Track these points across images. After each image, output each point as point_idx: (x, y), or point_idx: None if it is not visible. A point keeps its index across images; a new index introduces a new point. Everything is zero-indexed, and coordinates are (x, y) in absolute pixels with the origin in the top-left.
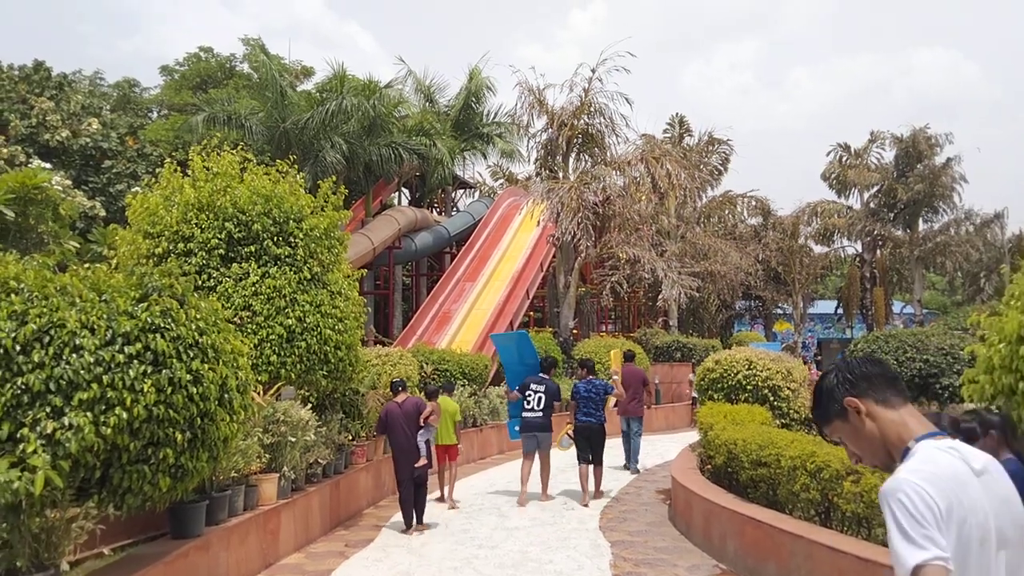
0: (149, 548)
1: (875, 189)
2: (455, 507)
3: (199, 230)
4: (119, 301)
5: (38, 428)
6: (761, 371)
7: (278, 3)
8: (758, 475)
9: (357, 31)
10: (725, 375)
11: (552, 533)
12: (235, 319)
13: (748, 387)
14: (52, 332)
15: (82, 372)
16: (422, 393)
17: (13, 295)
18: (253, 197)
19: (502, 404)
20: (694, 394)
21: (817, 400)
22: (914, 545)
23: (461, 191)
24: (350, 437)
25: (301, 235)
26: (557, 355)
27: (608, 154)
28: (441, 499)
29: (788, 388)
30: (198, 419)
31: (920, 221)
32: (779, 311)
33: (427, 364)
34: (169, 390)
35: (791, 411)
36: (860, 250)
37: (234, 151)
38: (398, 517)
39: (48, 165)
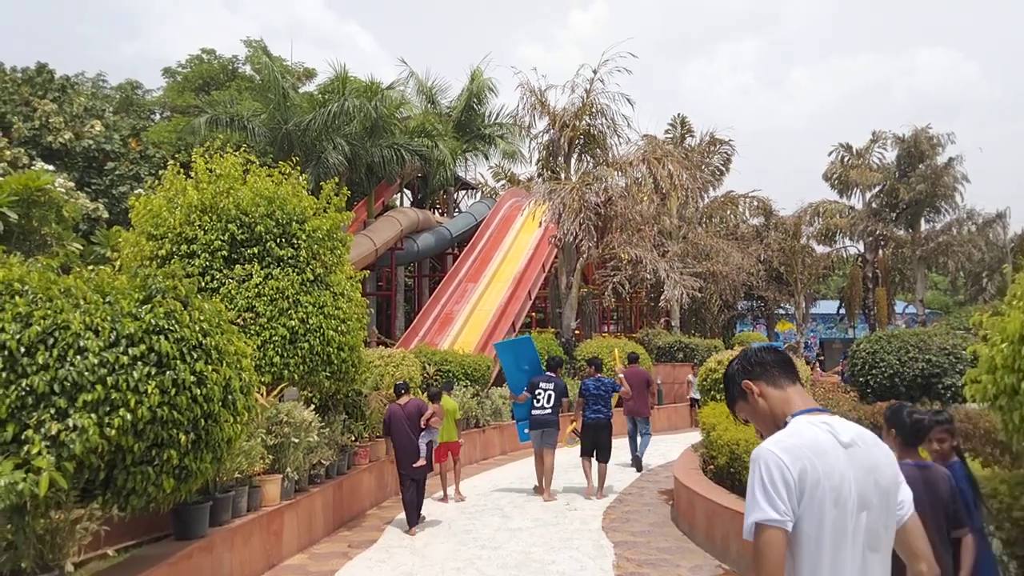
0: (153, 549)
1: (877, 189)
2: (462, 499)
3: (202, 232)
4: (123, 303)
5: (42, 430)
6: None
7: (279, 3)
8: None
9: (357, 31)
10: None
11: (555, 534)
12: (238, 320)
13: None
14: (56, 334)
15: (86, 374)
16: (425, 395)
17: (18, 297)
18: (256, 199)
19: (504, 405)
20: (693, 394)
21: (725, 385)
22: (758, 506)
23: (463, 192)
24: (353, 438)
25: (304, 236)
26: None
27: (610, 155)
28: (444, 499)
29: None
30: (202, 420)
31: (922, 221)
32: (781, 311)
33: (429, 365)
34: (173, 391)
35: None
36: (862, 250)
37: (237, 153)
38: (401, 517)
39: (51, 167)
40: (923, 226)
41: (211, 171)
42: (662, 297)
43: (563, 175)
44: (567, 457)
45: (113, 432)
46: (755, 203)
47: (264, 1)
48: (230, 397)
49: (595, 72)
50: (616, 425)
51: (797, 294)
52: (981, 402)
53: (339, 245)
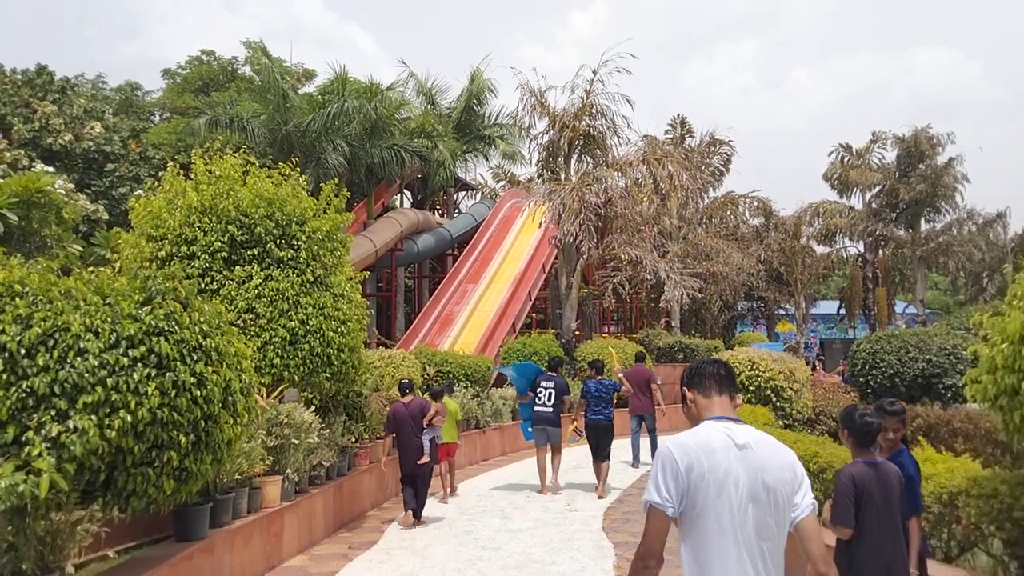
0: (153, 551)
1: (877, 189)
2: (456, 495)
3: (202, 233)
4: (123, 304)
5: (43, 431)
6: (764, 372)
7: (279, 4)
8: None
9: (357, 32)
10: None
11: (556, 534)
12: (238, 322)
13: (751, 388)
14: (57, 336)
15: (86, 375)
16: (427, 394)
17: (18, 299)
18: (256, 200)
19: (505, 406)
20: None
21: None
22: (648, 490)
23: (463, 193)
24: (353, 439)
25: (304, 238)
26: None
27: (610, 155)
28: (444, 499)
29: (791, 389)
30: (202, 422)
31: (922, 221)
32: (781, 312)
33: (430, 366)
34: (173, 393)
35: (794, 412)
36: (862, 250)
37: (236, 154)
38: (396, 522)
39: (51, 169)
40: (923, 226)
41: (211, 172)
42: (662, 298)
43: (563, 176)
44: (568, 458)
45: (113, 434)
46: (755, 203)
47: (264, 2)
48: (230, 399)
49: (595, 73)
50: (620, 426)
51: (797, 294)
52: (981, 402)
53: (339, 246)
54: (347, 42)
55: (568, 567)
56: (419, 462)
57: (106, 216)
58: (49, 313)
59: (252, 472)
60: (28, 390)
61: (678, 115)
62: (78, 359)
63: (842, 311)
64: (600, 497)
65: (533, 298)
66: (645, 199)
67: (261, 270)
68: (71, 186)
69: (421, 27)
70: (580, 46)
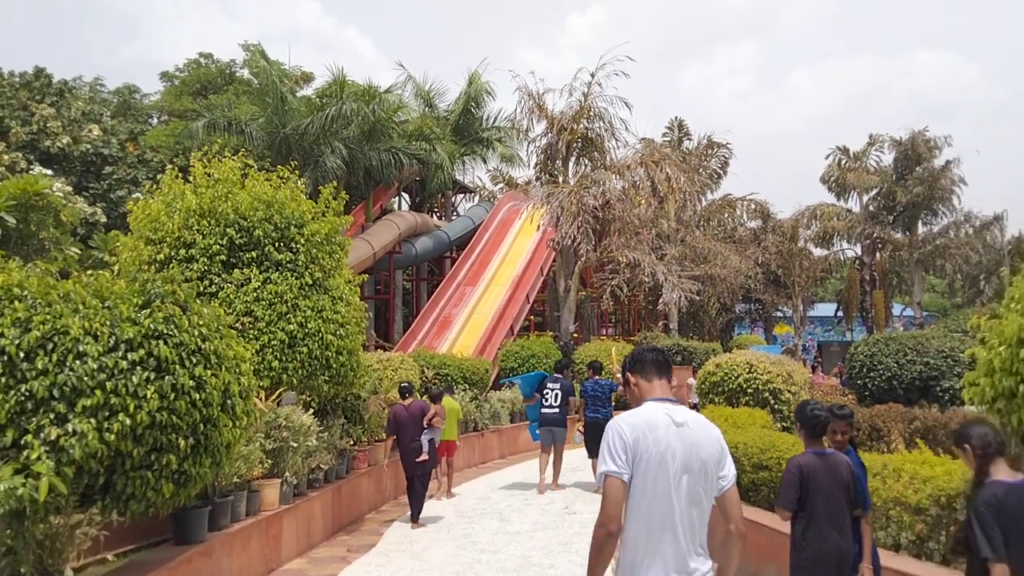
0: (152, 554)
1: (874, 192)
2: (453, 496)
3: (201, 236)
4: (122, 308)
5: (42, 435)
6: (762, 374)
7: (277, 8)
8: (759, 478)
9: (356, 36)
10: (726, 378)
11: (554, 537)
12: (237, 325)
13: (749, 390)
14: (56, 339)
15: (85, 379)
16: (426, 397)
17: (17, 302)
18: (254, 203)
19: (503, 408)
20: (692, 399)
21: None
22: (604, 462)
23: (461, 195)
24: (351, 442)
25: (302, 240)
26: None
27: (608, 158)
28: (438, 497)
29: (789, 391)
30: (201, 425)
31: (919, 224)
32: (779, 314)
33: (428, 369)
34: (172, 396)
35: (792, 414)
36: (859, 253)
37: (235, 157)
38: (401, 521)
39: (49, 171)
40: (920, 229)
41: (209, 175)
42: (660, 300)
43: (561, 178)
44: (567, 460)
45: (112, 437)
46: (753, 206)
47: (262, 5)
48: (229, 402)
49: (593, 76)
50: None
51: (795, 297)
52: (979, 405)
53: (337, 249)
54: (346, 45)
55: (566, 570)
56: (418, 460)
57: (104, 219)
58: (48, 316)
59: (251, 475)
60: (27, 393)
61: (676, 118)
62: (77, 362)
63: (839, 314)
64: (594, 495)
65: (531, 301)
66: (643, 202)
67: (260, 273)
68: (69, 189)
69: (419, 31)
70: (578, 50)
